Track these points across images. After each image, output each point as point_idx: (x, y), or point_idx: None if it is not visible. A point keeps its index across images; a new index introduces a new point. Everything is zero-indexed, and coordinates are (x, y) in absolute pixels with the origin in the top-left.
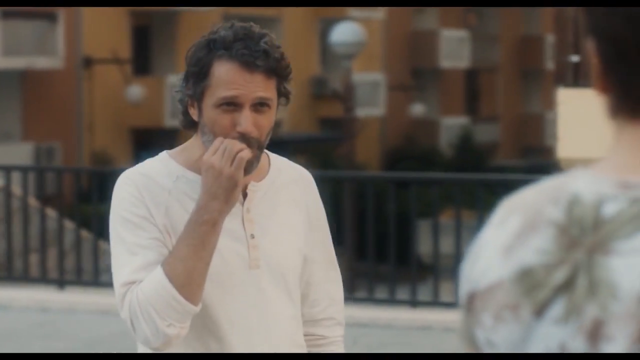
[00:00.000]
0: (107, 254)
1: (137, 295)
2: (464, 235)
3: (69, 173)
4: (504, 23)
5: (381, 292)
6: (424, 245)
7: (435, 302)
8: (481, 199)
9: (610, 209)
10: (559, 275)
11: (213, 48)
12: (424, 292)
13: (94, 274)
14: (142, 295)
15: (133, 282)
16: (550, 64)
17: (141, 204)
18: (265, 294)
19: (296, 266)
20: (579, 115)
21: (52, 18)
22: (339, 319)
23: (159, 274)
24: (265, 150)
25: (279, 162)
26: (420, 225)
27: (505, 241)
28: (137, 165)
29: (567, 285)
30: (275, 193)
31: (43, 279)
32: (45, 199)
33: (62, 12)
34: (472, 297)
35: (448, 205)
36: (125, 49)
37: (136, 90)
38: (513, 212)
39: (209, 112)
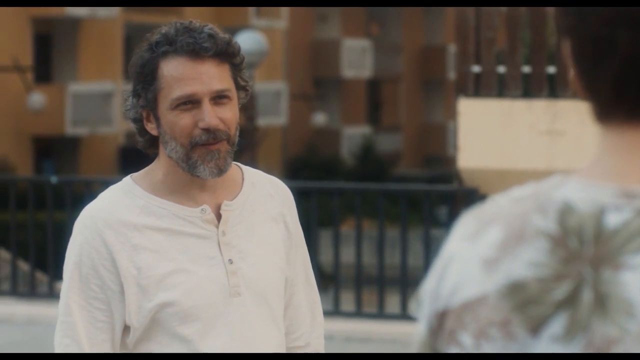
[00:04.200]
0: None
1: None
2: (364, 245)
3: None
4: (407, 33)
5: None
6: (325, 255)
7: (336, 312)
8: (382, 209)
9: (613, 220)
10: (561, 290)
11: (156, 48)
12: (325, 302)
13: None
14: None
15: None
16: (452, 74)
17: (98, 254)
18: (249, 323)
19: (279, 288)
20: (480, 125)
21: None
22: (316, 346)
23: None
24: (239, 164)
25: (252, 175)
26: (321, 234)
27: (485, 254)
28: (99, 199)
29: (569, 301)
30: (251, 210)
31: None
32: None
33: None
34: (442, 316)
35: (349, 215)
36: (26, 57)
37: (37, 98)
38: (490, 223)
39: (166, 117)
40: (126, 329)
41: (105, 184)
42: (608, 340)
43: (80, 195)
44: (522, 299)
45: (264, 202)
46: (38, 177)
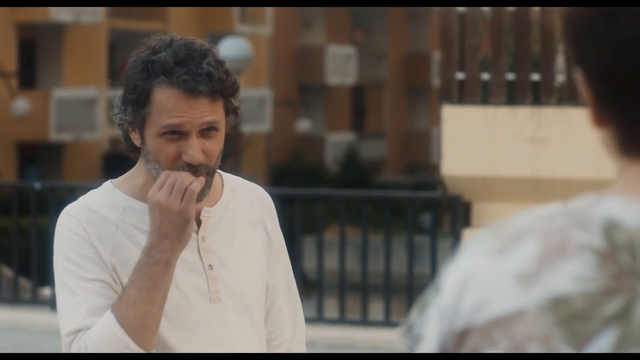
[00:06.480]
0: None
1: (86, 344)
2: (348, 252)
3: None
4: (391, 40)
5: None
6: (308, 262)
7: (320, 319)
8: (366, 216)
9: None
10: (612, 306)
11: (152, 73)
12: (309, 309)
13: None
14: (92, 344)
15: (79, 330)
16: (436, 81)
17: (85, 242)
18: (229, 328)
19: (260, 294)
20: (463, 132)
21: None
22: (298, 351)
23: (109, 320)
24: (218, 171)
25: (232, 182)
26: (305, 241)
27: (520, 268)
28: (80, 199)
29: (620, 316)
30: (231, 217)
31: None
32: None
33: None
34: (463, 335)
35: (333, 222)
36: (11, 62)
37: (22, 104)
38: (520, 237)
39: (152, 141)
40: None
41: (89, 190)
42: None
43: (64, 201)
44: (567, 314)
45: (244, 208)
46: (22, 183)
